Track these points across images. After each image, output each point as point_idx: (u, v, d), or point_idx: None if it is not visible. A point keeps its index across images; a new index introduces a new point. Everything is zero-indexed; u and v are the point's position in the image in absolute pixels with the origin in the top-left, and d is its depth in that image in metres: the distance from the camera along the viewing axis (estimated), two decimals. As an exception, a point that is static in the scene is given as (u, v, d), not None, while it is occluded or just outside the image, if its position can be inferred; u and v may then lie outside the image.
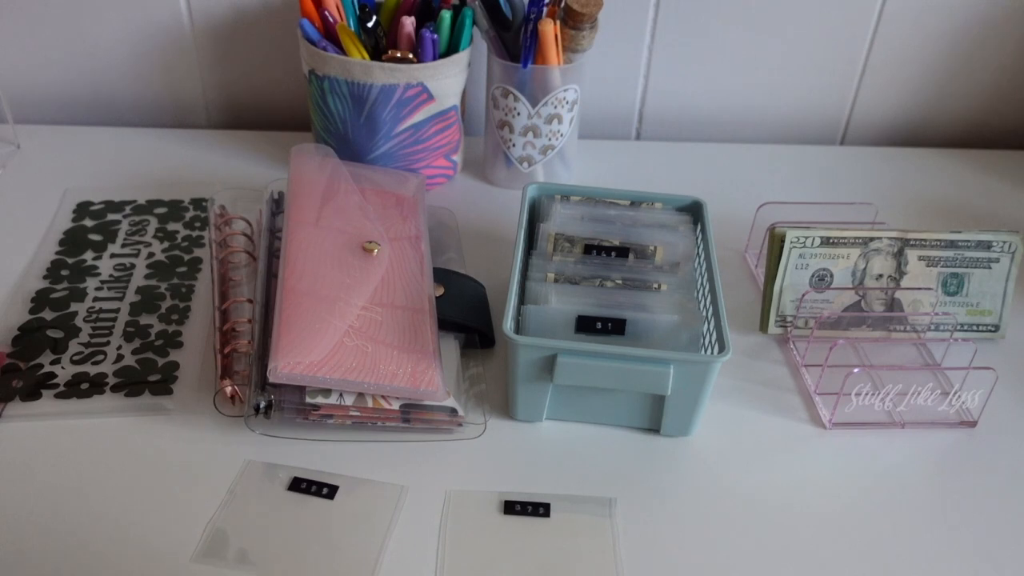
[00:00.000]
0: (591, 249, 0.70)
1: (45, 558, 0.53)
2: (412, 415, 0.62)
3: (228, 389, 0.63)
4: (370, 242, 0.70)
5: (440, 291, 0.70)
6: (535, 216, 0.74)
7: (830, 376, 0.67)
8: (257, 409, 0.60)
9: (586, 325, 0.63)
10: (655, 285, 0.66)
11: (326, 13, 0.82)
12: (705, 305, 0.67)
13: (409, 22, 0.81)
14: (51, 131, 0.95)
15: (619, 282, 0.67)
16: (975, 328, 0.74)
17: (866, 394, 0.66)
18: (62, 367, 0.66)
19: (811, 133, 1.05)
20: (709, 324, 0.65)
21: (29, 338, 0.68)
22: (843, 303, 0.72)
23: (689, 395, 0.61)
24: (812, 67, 1.00)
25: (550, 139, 0.87)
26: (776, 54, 0.99)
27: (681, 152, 1.00)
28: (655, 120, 1.03)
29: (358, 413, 0.61)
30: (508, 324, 0.61)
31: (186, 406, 0.64)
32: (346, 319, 0.63)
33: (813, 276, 0.72)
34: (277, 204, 0.79)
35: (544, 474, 0.61)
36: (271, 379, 0.59)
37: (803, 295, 0.71)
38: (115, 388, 0.64)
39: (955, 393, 0.67)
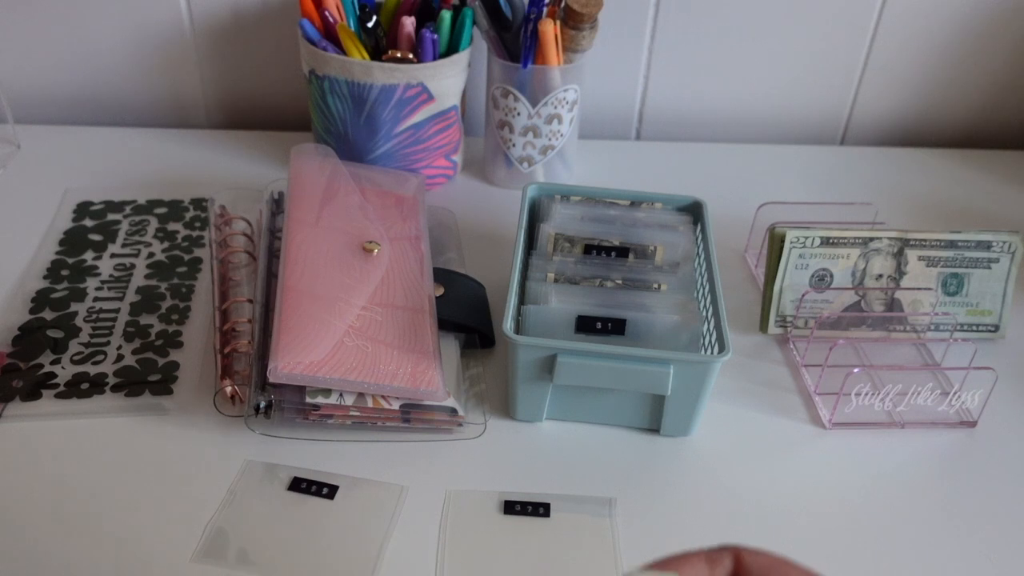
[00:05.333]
0: (591, 249, 0.70)
1: (45, 558, 0.53)
2: (412, 415, 0.62)
3: (228, 389, 0.63)
4: (370, 242, 0.70)
5: (440, 291, 0.70)
6: (535, 216, 0.74)
7: (830, 376, 0.67)
8: (257, 409, 0.60)
9: (586, 325, 0.63)
10: (655, 285, 0.66)
11: (326, 13, 0.82)
12: (705, 305, 0.67)
13: (409, 22, 0.81)
14: (51, 131, 0.95)
15: (619, 282, 0.67)
16: (975, 328, 0.74)
17: (866, 394, 0.66)
18: (62, 367, 0.66)
19: (811, 133, 1.05)
20: (709, 324, 0.65)
21: (29, 338, 0.68)
22: (843, 303, 0.72)
23: (689, 395, 0.61)
24: (812, 67, 1.00)
25: (550, 139, 0.87)
26: (776, 54, 0.99)
27: (681, 152, 1.00)
28: (655, 120, 1.03)
29: (358, 413, 0.61)
30: (508, 324, 0.61)
31: (186, 406, 0.64)
32: (346, 319, 0.63)
33: (813, 276, 0.72)
34: (277, 204, 0.79)
35: (544, 474, 0.61)
36: (271, 379, 0.59)
37: (803, 295, 0.71)
38: (115, 388, 0.64)
39: (955, 393, 0.67)
